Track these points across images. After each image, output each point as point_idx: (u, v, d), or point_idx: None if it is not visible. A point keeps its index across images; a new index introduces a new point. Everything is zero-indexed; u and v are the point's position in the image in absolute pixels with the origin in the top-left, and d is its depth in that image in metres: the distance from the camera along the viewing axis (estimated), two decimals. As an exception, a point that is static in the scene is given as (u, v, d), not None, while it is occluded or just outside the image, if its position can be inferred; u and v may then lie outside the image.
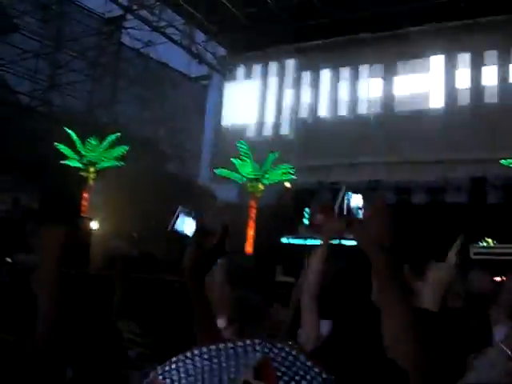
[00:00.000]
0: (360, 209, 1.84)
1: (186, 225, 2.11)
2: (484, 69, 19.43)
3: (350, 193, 1.88)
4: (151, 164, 21.79)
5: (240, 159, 19.66)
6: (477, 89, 19.42)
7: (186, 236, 2.13)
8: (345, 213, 1.86)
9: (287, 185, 21.29)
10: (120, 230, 15.81)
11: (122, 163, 19.25)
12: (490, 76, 19.33)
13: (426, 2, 19.20)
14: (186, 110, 24.17)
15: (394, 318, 1.61)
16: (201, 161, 24.67)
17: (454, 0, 19.11)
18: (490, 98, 19.07)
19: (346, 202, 1.87)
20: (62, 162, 18.00)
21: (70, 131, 18.17)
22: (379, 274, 1.66)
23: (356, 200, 1.85)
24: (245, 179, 19.57)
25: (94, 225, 15.88)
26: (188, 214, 2.12)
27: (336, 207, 1.90)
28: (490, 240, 16.57)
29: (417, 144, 18.91)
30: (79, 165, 18.65)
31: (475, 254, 16.45)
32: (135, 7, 22.65)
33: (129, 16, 22.91)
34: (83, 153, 18.72)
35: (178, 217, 2.17)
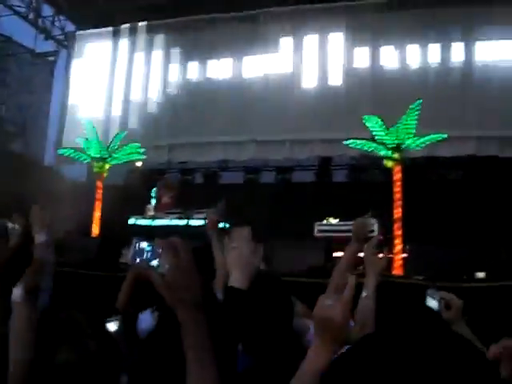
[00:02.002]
0: (152, 251, 1.71)
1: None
2: (330, 52, 19.76)
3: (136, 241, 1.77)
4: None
5: (86, 139, 19.07)
6: (323, 71, 19.75)
7: None
8: (136, 257, 1.73)
9: (138, 164, 20.93)
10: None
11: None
12: (335, 59, 19.70)
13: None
14: (32, 88, 23.22)
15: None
16: (47, 140, 23.75)
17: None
18: (335, 80, 19.46)
19: (135, 245, 1.74)
20: None
21: None
22: (188, 331, 1.58)
23: (146, 246, 1.73)
24: (91, 159, 18.99)
25: None
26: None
27: (130, 254, 1.78)
28: (331, 219, 17.02)
29: (265, 124, 19.07)
30: None
31: (318, 231, 16.93)
32: (-26, -24, 21.37)
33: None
34: None
35: None
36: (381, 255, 3.15)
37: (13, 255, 1.87)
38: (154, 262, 1.74)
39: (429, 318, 2.67)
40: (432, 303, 3.25)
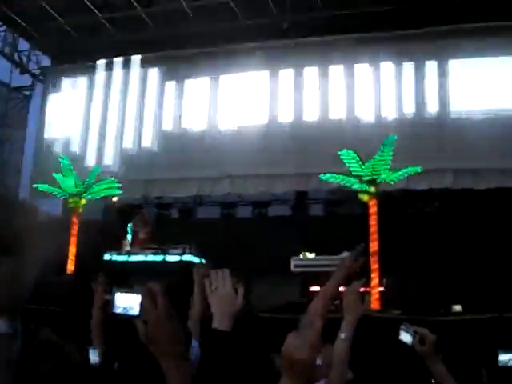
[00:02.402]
0: (134, 304, 1.70)
1: None
2: (306, 86, 19.93)
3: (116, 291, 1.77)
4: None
5: (61, 174, 18.94)
6: (299, 106, 19.89)
7: None
8: (118, 311, 1.72)
9: (115, 199, 20.84)
10: None
11: None
12: (310, 94, 19.86)
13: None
14: (7, 122, 23.10)
15: None
16: (22, 175, 23.55)
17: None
18: (310, 114, 19.60)
19: (114, 299, 1.74)
20: None
21: None
22: (171, 379, 1.57)
23: (124, 295, 1.73)
24: (66, 194, 18.85)
25: None
26: None
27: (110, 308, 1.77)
28: (307, 253, 17.03)
29: (240, 158, 19.13)
30: None
31: (295, 266, 16.90)
32: (-49, 11, 21.31)
33: None
34: None
35: None
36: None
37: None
38: (133, 312, 1.73)
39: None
40: (405, 337, 3.26)
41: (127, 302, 1.79)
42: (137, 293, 1.76)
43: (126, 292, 1.79)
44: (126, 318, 1.77)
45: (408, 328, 3.26)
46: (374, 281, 15.31)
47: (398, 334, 3.27)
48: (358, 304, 3.03)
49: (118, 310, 1.79)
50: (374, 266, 15.48)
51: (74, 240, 18.22)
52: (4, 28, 22.77)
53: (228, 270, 2.36)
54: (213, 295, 2.30)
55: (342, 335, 2.88)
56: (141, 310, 1.67)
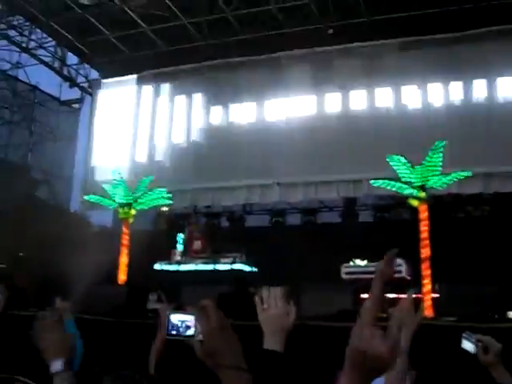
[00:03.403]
0: (187, 326, 1.71)
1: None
2: (352, 92, 19.83)
3: (169, 313, 1.78)
4: (22, 191, 21.08)
5: (112, 184, 19.18)
6: (346, 111, 19.79)
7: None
8: (173, 332, 1.73)
9: (164, 209, 21.01)
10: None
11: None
12: (357, 100, 19.75)
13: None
14: (57, 135, 23.53)
15: None
16: (72, 187, 23.95)
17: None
18: (358, 120, 19.46)
19: (168, 321, 1.75)
20: None
21: None
22: None
23: (177, 317, 1.74)
24: (116, 205, 19.05)
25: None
26: None
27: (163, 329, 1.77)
28: (358, 260, 16.91)
29: (288, 166, 19.08)
30: None
31: (345, 273, 16.78)
32: (2, 26, 21.82)
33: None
34: None
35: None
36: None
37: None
38: (190, 332, 1.73)
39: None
40: (468, 346, 3.17)
41: (182, 323, 1.78)
42: (191, 314, 1.76)
43: (180, 313, 1.79)
44: (181, 340, 1.77)
45: (470, 336, 3.18)
46: (427, 287, 15.10)
47: (459, 343, 3.20)
48: (412, 315, 2.97)
49: (173, 332, 1.79)
50: (427, 272, 15.27)
51: (124, 250, 18.38)
52: (53, 43, 23.20)
53: (280, 288, 2.32)
54: (263, 314, 2.25)
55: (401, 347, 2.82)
56: (196, 330, 1.68)
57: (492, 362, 3.06)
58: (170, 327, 1.76)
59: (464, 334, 3.20)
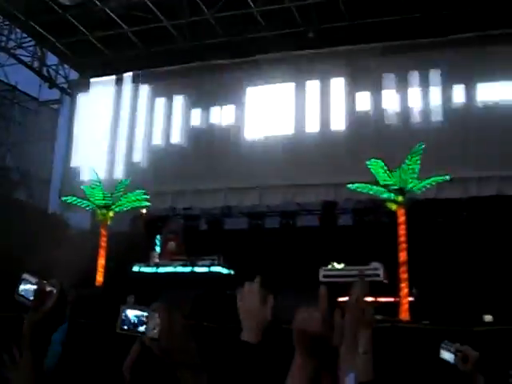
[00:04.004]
0: (142, 321, 1.71)
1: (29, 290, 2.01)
2: (332, 96, 19.87)
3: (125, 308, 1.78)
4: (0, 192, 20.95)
5: (90, 186, 19.08)
6: (326, 116, 19.82)
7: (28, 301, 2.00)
8: (124, 327, 1.74)
9: (143, 211, 20.92)
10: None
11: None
12: (337, 103, 19.79)
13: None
14: (36, 135, 23.35)
15: None
16: (51, 188, 23.75)
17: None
18: (337, 124, 19.51)
19: (123, 316, 1.75)
20: None
21: None
22: None
23: (133, 312, 1.74)
24: (94, 206, 18.96)
25: None
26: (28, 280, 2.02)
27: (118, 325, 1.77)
28: (335, 263, 16.97)
29: (268, 169, 19.07)
30: None
31: (324, 276, 16.83)
32: (-20, 26, 21.66)
33: (-28, 36, 21.82)
34: None
35: (21, 282, 2.03)
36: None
37: (45, 317, 1.90)
38: (141, 328, 1.74)
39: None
40: (447, 356, 3.18)
41: (137, 319, 1.79)
42: (144, 310, 1.77)
43: (135, 309, 1.79)
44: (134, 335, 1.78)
45: (449, 346, 3.19)
46: (404, 291, 15.18)
47: (438, 353, 3.20)
48: (366, 317, 2.93)
49: (125, 327, 1.79)
50: (404, 275, 15.35)
51: (102, 252, 18.30)
52: (33, 43, 23.02)
53: (258, 283, 2.31)
54: (240, 307, 2.25)
55: (361, 349, 2.80)
56: (147, 327, 1.67)
57: (471, 370, 3.08)
58: (123, 322, 1.76)
59: (443, 344, 3.21)
